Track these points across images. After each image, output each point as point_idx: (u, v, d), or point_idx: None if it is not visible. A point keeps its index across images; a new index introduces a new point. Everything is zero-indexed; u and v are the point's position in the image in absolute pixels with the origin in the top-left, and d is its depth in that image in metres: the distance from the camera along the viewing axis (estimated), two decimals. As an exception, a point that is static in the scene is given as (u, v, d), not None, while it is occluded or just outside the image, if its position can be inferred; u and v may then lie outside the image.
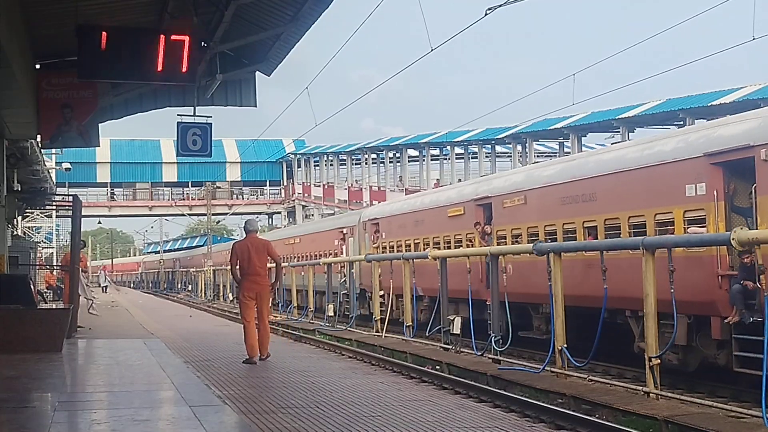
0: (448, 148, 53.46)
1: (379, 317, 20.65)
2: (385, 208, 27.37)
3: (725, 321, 11.48)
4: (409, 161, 55.99)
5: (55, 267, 39.99)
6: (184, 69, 11.33)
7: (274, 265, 13.70)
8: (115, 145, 68.37)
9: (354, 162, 62.23)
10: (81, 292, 20.71)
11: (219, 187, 70.74)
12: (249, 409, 8.38)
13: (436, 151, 55.97)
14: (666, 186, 12.98)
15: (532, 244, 13.62)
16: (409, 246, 22.99)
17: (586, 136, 42.16)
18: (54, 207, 32.04)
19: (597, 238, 14.40)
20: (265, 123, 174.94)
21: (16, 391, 9.25)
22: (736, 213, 12.04)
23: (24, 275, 18.38)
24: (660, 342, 10.77)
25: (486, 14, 16.08)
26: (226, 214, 73.80)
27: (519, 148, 45.15)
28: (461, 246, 19.52)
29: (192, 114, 15.22)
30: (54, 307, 22.80)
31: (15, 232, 32.19)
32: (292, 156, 68.99)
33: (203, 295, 51.06)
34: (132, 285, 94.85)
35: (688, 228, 12.35)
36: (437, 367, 14.72)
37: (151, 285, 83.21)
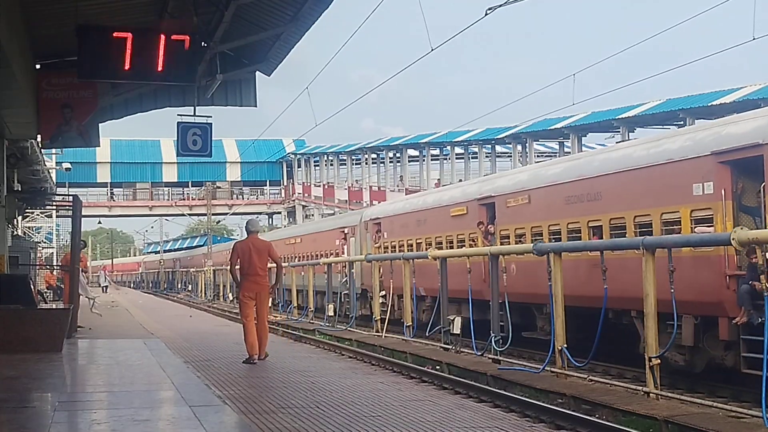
0: (448, 148, 53.43)
1: (379, 317, 20.65)
2: (386, 208, 27.27)
3: (733, 322, 11.32)
4: (409, 161, 55.97)
5: (55, 267, 40.00)
6: (184, 69, 11.34)
7: (275, 265, 13.72)
8: (115, 145, 68.34)
9: (354, 162, 62.21)
10: (82, 292, 20.73)
11: (219, 187, 70.72)
12: (249, 409, 8.38)
13: (436, 151, 55.95)
14: (673, 185, 12.82)
15: (532, 244, 13.60)
16: (411, 246, 22.89)
17: (586, 136, 42.13)
18: (54, 207, 32.06)
19: (602, 238, 14.28)
20: (265, 123, 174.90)
21: (16, 391, 9.25)
22: (744, 212, 11.90)
23: (24, 275, 18.38)
24: (667, 341, 10.72)
25: (486, 14, 16.09)
26: (226, 214, 73.78)
27: (519, 148, 45.13)
28: (464, 246, 19.42)
29: (192, 114, 15.21)
30: (54, 307, 22.80)
31: (15, 232, 32.18)
32: (292, 156, 68.97)
33: (203, 295, 51.07)
34: (132, 285, 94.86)
35: (695, 228, 12.19)
36: (437, 367, 14.72)
37: (151, 285, 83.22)
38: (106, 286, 62.23)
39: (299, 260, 32.72)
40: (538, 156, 48.84)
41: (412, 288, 18.64)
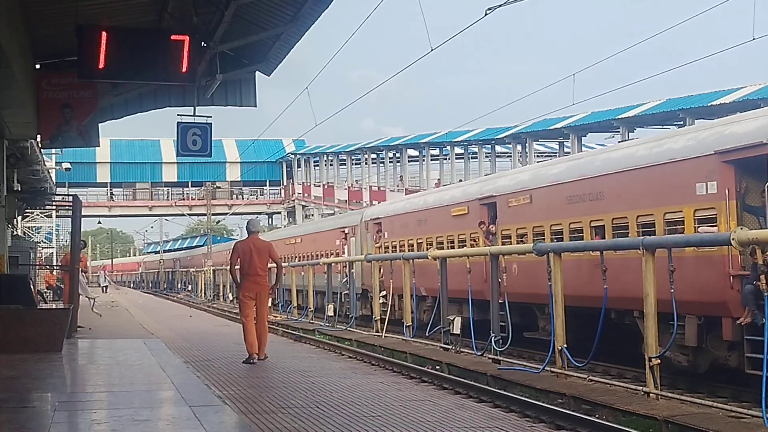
0: (448, 148, 53.45)
1: (379, 317, 20.64)
2: (387, 208, 27.19)
3: (737, 322, 11.22)
4: (409, 161, 55.98)
5: (55, 267, 40.01)
6: (184, 69, 11.32)
7: (275, 266, 13.72)
8: (115, 145, 68.37)
9: (354, 162, 62.22)
10: (81, 292, 20.73)
11: (219, 187, 70.74)
12: (249, 409, 8.38)
13: (436, 151, 55.96)
14: (676, 184, 12.73)
15: (532, 245, 13.59)
16: (412, 246, 22.81)
17: (586, 136, 42.15)
18: (54, 207, 32.04)
19: (605, 238, 14.20)
20: (265, 123, 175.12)
21: (16, 391, 9.25)
22: (748, 212, 11.80)
23: (24, 275, 18.38)
24: (670, 343, 10.67)
25: (486, 14, 16.08)
26: (226, 214, 73.80)
27: (519, 148, 45.15)
28: (465, 246, 19.35)
29: (192, 114, 15.22)
30: (54, 307, 22.80)
31: (15, 232, 32.20)
32: (292, 156, 68.99)
33: (203, 295, 51.08)
34: (132, 285, 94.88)
35: (698, 227, 12.11)
36: (437, 367, 14.72)
37: (151, 285, 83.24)
38: (106, 286, 62.25)
39: (299, 260, 32.69)
40: (537, 156, 48.85)
41: (412, 288, 18.63)
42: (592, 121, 38.10)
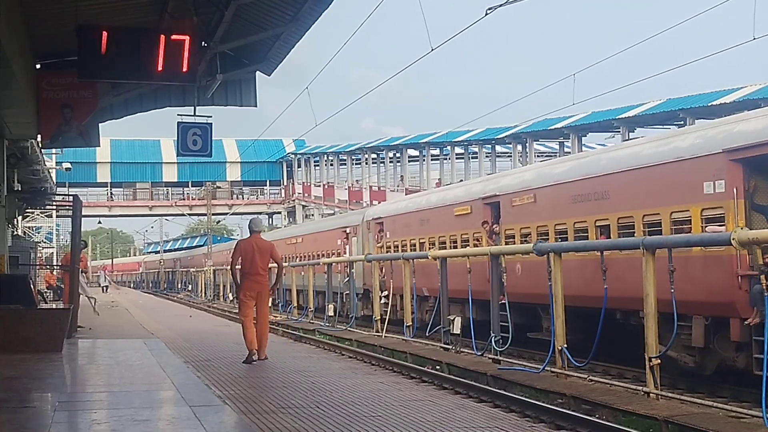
0: (448, 148, 53.45)
1: (379, 317, 20.63)
2: (389, 207, 27.03)
3: (745, 323, 11.08)
4: (409, 161, 55.99)
5: (55, 267, 40.02)
6: (184, 69, 11.32)
7: (276, 265, 13.72)
8: (115, 145, 68.39)
9: (354, 162, 62.23)
10: (82, 292, 20.75)
11: (219, 187, 70.77)
12: (249, 409, 8.38)
13: (436, 151, 55.98)
14: (683, 183, 12.57)
15: (532, 244, 13.56)
16: (415, 246, 22.66)
17: (586, 136, 42.14)
18: (54, 207, 32.10)
19: (610, 238, 14.06)
20: (265, 123, 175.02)
21: (16, 391, 9.24)
22: (756, 211, 11.68)
23: (24, 275, 18.38)
24: (676, 343, 10.61)
25: (486, 14, 16.10)
26: (226, 214, 73.83)
27: (519, 148, 45.15)
28: (468, 246, 19.19)
29: (192, 114, 15.22)
30: (54, 307, 22.80)
31: (15, 232, 32.19)
32: (292, 156, 69.00)
33: (203, 295, 51.08)
34: (132, 285, 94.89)
35: (706, 227, 11.97)
36: (437, 367, 14.71)
37: (151, 285, 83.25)
38: (107, 286, 62.25)
39: (300, 260, 32.64)
40: (537, 156, 48.85)
41: (412, 288, 18.61)
42: (592, 121, 38.11)
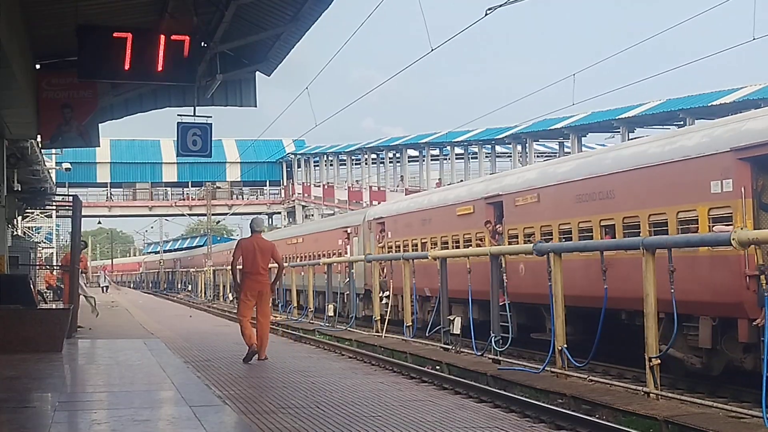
0: (448, 148, 53.49)
1: (379, 317, 20.62)
2: (390, 207, 26.89)
3: (753, 323, 10.92)
4: (409, 161, 56.00)
5: (55, 267, 40.02)
6: (184, 69, 11.34)
7: (276, 265, 13.72)
8: (115, 145, 68.43)
9: (354, 162, 62.24)
10: (81, 292, 20.74)
11: (219, 187, 70.79)
12: (249, 409, 8.38)
13: (436, 151, 56.00)
14: (689, 182, 12.43)
15: (532, 245, 13.53)
16: (416, 246, 22.52)
17: (586, 136, 42.16)
18: (54, 207, 32.06)
19: (615, 238, 13.93)
20: (265, 123, 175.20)
21: (16, 391, 9.24)
22: (764, 210, 11.56)
23: (24, 275, 18.38)
24: (683, 344, 10.55)
25: (486, 14, 16.09)
26: (226, 214, 73.85)
27: (519, 148, 45.16)
28: (471, 246, 19.06)
29: (192, 114, 15.21)
30: (54, 307, 22.80)
31: (15, 232, 32.21)
32: (292, 156, 69.02)
33: (203, 295, 51.09)
34: (132, 285, 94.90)
35: (713, 226, 11.84)
36: (437, 368, 14.71)
37: (151, 285, 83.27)
38: (107, 287, 62.27)
39: (301, 260, 32.60)
40: (537, 156, 48.87)
41: (412, 288, 18.60)
42: (592, 121, 38.11)
